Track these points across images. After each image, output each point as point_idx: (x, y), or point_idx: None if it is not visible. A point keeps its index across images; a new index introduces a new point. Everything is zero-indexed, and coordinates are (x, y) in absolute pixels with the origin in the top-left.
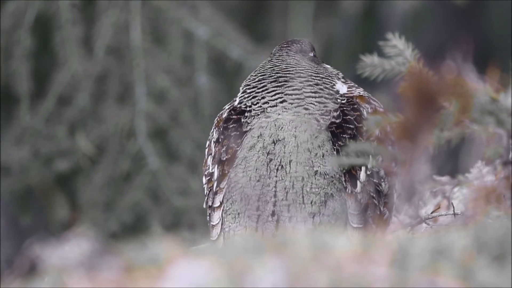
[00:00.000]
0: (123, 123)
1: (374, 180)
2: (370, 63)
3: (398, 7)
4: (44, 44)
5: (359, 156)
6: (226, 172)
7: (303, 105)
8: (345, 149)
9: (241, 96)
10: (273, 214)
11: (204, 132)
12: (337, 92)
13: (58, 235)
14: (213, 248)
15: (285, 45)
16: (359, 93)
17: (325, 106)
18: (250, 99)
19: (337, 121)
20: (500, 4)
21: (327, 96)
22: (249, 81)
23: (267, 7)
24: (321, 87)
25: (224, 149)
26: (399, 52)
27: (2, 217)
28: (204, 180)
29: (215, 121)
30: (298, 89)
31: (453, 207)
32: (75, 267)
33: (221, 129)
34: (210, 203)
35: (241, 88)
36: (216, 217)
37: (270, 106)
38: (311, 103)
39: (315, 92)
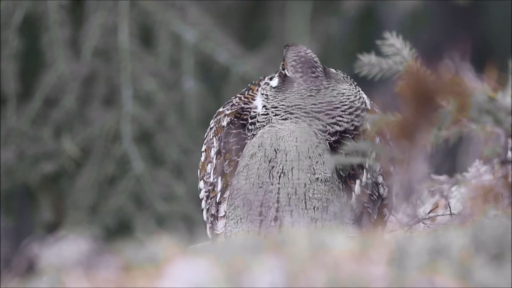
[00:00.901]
0: (109, 126)
1: (368, 192)
2: (368, 62)
3: (396, 6)
4: (31, 44)
5: (357, 155)
6: (230, 183)
7: (308, 121)
8: (342, 148)
9: (267, 105)
10: (275, 219)
11: (190, 137)
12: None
13: (42, 237)
14: (211, 247)
15: (317, 71)
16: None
17: (332, 128)
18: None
19: (333, 138)
20: (498, 3)
21: (342, 116)
22: (285, 97)
23: (264, 7)
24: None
25: (226, 162)
26: (397, 51)
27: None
28: (202, 184)
29: (213, 125)
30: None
31: (450, 206)
32: (73, 266)
33: (222, 143)
34: (213, 212)
35: (263, 89)
36: (220, 226)
37: (280, 119)
38: (321, 124)
39: (332, 117)
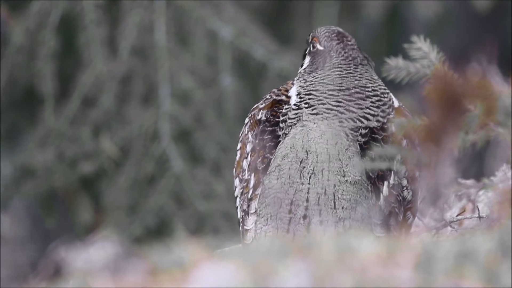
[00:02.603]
0: (147, 125)
1: (394, 193)
2: (395, 65)
3: (421, 10)
4: (68, 44)
5: (384, 160)
6: (262, 181)
7: (339, 119)
8: (370, 152)
9: (302, 94)
10: (304, 217)
11: (228, 134)
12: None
13: (82, 238)
14: (237, 251)
15: (355, 54)
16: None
17: (361, 122)
18: (307, 101)
19: (363, 139)
20: None
21: (371, 113)
22: (317, 82)
23: (291, 10)
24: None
25: (260, 159)
26: (424, 55)
27: (27, 220)
28: (238, 181)
29: (248, 121)
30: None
31: (478, 210)
32: (100, 270)
33: (257, 140)
34: (244, 208)
35: (298, 80)
36: (250, 222)
37: (311, 114)
38: (351, 119)
39: (361, 109)
